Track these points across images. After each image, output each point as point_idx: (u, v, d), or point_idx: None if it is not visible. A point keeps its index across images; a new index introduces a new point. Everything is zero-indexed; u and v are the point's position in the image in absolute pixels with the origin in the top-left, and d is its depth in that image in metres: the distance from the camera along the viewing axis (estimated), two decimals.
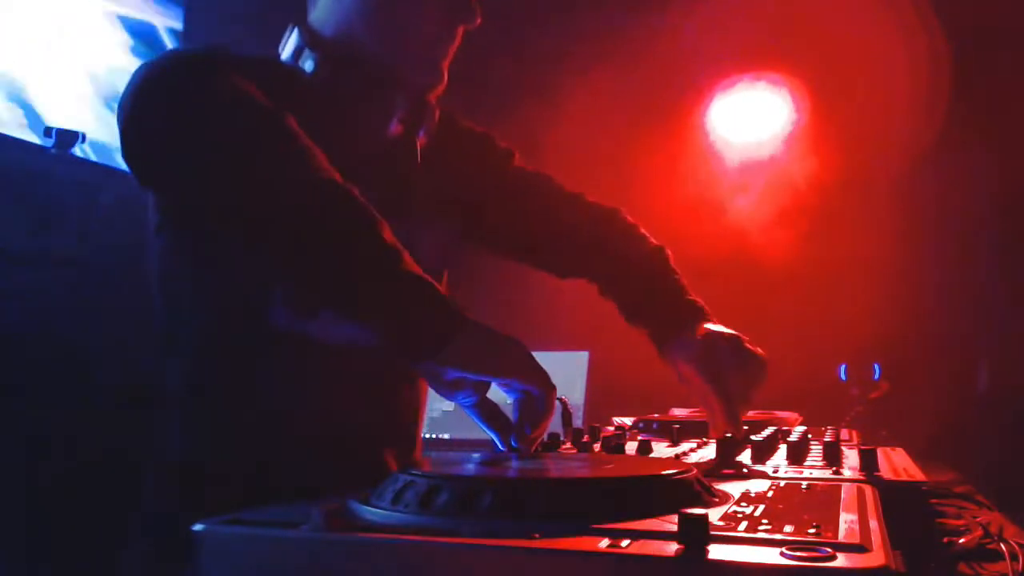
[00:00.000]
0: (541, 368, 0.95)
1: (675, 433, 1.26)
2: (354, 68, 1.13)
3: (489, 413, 0.99)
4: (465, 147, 1.35)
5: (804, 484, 0.81)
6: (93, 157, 2.02)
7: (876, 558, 0.53)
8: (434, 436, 2.38)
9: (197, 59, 0.97)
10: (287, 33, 1.18)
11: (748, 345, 1.24)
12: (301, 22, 1.18)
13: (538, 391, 0.93)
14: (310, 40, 1.14)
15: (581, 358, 2.46)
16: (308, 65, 1.13)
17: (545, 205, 1.40)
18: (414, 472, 0.72)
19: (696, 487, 0.74)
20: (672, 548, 0.55)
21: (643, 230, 1.45)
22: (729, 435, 1.05)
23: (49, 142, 1.89)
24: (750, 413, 1.46)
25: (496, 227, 1.40)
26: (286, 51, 1.16)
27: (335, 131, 1.11)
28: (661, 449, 1.16)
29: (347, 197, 0.92)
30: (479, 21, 1.16)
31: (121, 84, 0.98)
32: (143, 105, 0.93)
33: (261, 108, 0.94)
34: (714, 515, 0.64)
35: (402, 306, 0.91)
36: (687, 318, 1.30)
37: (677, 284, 1.36)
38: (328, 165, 0.94)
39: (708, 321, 1.29)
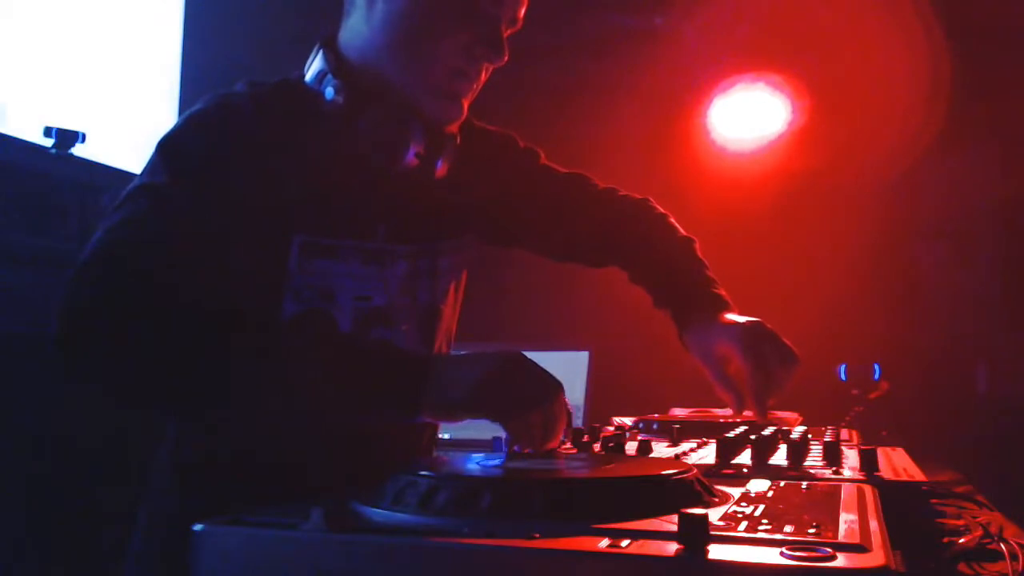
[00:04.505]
0: (510, 409, 0.92)
1: (675, 433, 1.26)
2: (372, 99, 1.12)
3: None
4: (487, 150, 1.33)
5: (804, 484, 0.81)
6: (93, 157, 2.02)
7: (876, 558, 0.53)
8: None
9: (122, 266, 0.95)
10: (314, 52, 1.17)
11: (786, 341, 1.26)
12: (330, 42, 1.18)
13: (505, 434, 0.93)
14: (334, 66, 1.14)
15: (581, 358, 2.46)
16: (328, 92, 1.12)
17: (578, 203, 1.40)
18: (414, 472, 0.72)
19: (696, 487, 0.74)
20: (672, 548, 0.55)
21: (673, 220, 1.46)
22: (745, 427, 1.05)
23: (49, 142, 1.89)
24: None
25: (527, 227, 1.40)
26: (309, 72, 1.16)
27: (351, 159, 1.11)
28: (661, 449, 1.16)
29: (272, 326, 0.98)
30: (506, 59, 1.14)
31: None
32: (79, 307, 0.93)
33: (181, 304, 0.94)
34: (714, 515, 0.64)
35: (367, 398, 0.94)
36: (710, 304, 1.31)
37: (703, 274, 1.38)
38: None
39: (731, 312, 1.31)
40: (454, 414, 0.94)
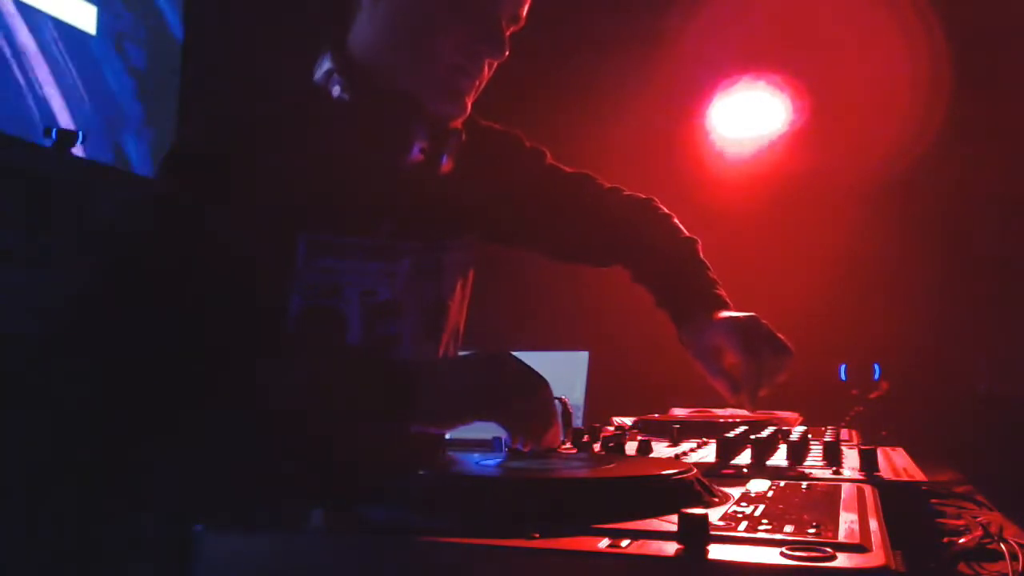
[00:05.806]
0: (504, 410, 0.95)
1: (675, 433, 1.26)
2: (377, 96, 1.13)
3: None
4: (491, 149, 1.33)
5: (804, 484, 0.81)
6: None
7: (876, 558, 0.53)
8: None
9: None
10: (322, 52, 1.18)
11: (780, 335, 1.27)
12: (338, 43, 1.19)
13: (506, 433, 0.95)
14: (339, 65, 1.15)
15: (581, 358, 2.46)
16: (335, 90, 1.13)
17: (583, 204, 1.40)
18: (415, 472, 0.72)
19: (696, 487, 0.74)
20: (672, 548, 0.55)
21: (676, 220, 1.46)
22: (738, 425, 1.05)
23: (49, 142, 1.89)
24: (750, 414, 1.46)
25: (532, 226, 1.40)
26: (318, 72, 1.17)
27: (356, 156, 1.12)
28: (661, 449, 1.16)
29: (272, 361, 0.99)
30: (507, 54, 1.15)
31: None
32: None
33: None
34: (714, 515, 0.64)
35: (358, 411, 0.97)
36: (709, 304, 1.32)
37: (704, 275, 1.39)
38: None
39: (729, 311, 1.32)
40: (444, 422, 0.97)
